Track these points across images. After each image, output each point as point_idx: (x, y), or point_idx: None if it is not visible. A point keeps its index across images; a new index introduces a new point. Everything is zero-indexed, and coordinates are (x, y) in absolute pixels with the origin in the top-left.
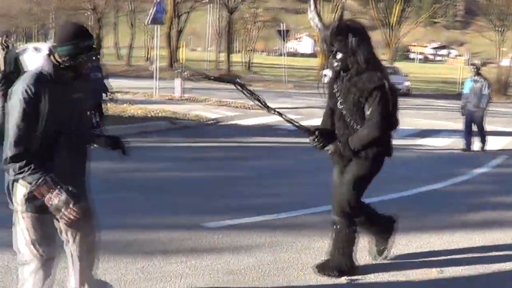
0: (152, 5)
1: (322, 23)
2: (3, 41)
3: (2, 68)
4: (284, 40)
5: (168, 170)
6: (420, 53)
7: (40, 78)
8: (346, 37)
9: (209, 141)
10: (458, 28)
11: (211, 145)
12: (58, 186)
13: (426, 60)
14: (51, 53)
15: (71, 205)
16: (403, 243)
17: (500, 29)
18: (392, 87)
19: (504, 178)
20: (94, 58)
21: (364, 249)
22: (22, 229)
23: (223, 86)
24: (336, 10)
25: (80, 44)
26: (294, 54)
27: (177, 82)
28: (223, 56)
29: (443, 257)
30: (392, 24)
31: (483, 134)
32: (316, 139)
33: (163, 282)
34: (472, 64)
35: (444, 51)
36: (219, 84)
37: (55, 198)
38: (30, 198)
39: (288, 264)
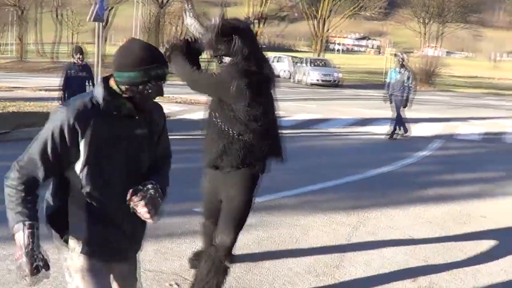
0: (94, 2)
1: (203, 27)
2: None
3: None
4: None
5: None
6: (342, 44)
7: (85, 111)
8: (231, 38)
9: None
10: (379, 19)
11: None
12: (33, 245)
13: (348, 51)
14: (109, 77)
15: (27, 277)
16: (374, 217)
17: (424, 20)
18: (242, 86)
19: (445, 159)
20: (162, 91)
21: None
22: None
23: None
24: (265, 3)
25: (151, 72)
26: None
27: None
28: None
29: (412, 226)
30: (322, 17)
31: (398, 122)
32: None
33: (180, 260)
34: (396, 55)
35: (364, 42)
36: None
37: (19, 258)
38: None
39: (282, 240)
